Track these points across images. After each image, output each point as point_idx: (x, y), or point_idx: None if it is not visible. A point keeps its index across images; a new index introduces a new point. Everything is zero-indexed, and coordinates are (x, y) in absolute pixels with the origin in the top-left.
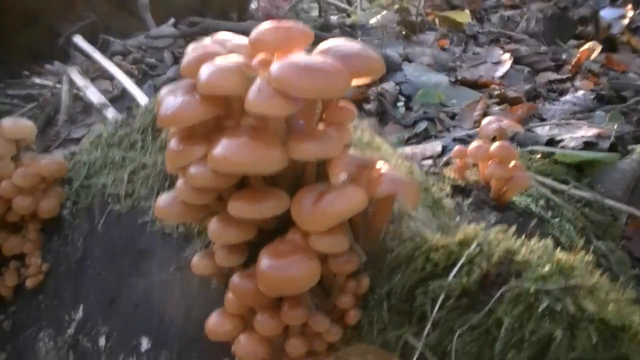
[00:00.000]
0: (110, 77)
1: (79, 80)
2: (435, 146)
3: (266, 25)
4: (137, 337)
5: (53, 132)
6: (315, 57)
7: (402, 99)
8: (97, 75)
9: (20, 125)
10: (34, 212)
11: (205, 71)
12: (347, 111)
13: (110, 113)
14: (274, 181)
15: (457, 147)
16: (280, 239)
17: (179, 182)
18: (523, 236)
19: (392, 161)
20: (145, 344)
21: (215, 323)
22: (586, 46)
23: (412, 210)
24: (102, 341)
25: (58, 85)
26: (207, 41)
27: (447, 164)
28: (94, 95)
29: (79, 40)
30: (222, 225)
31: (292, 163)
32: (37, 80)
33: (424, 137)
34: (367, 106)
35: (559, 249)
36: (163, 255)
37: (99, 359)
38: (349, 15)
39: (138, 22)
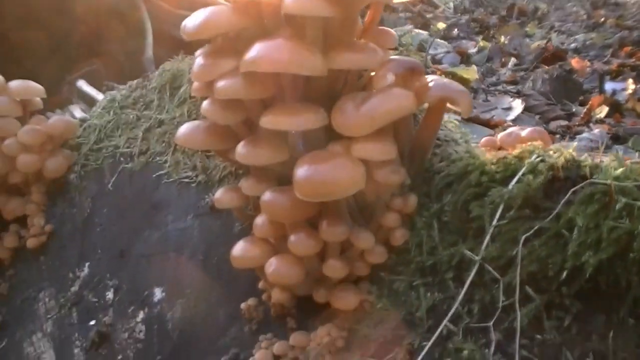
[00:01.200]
0: None
1: (78, 114)
2: None
3: None
4: (149, 287)
5: None
6: None
7: None
8: None
9: (28, 85)
10: (38, 173)
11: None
12: (387, 34)
13: None
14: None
15: (485, 138)
16: (321, 150)
17: (205, 103)
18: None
19: None
20: (158, 294)
21: (243, 248)
22: (596, 98)
23: (466, 115)
24: (109, 295)
25: None
26: None
27: None
28: None
29: (82, 84)
30: (252, 146)
31: (331, 78)
32: None
33: None
34: None
35: None
36: (180, 206)
37: (105, 313)
38: None
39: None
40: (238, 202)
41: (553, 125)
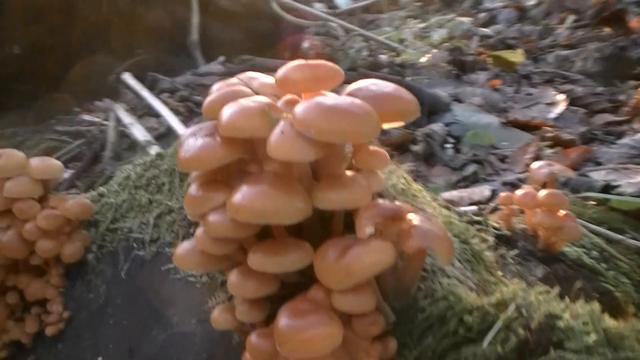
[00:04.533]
0: (157, 115)
1: (125, 118)
2: (484, 190)
3: (293, 63)
4: None
5: (99, 168)
6: (343, 98)
7: (451, 140)
8: (145, 112)
9: (48, 164)
10: (57, 255)
11: (226, 112)
12: (379, 156)
13: (155, 151)
14: (299, 231)
15: (503, 194)
16: (302, 295)
17: (199, 231)
18: (567, 298)
19: (430, 209)
20: None
21: None
22: None
23: (445, 265)
24: None
25: (105, 122)
26: (233, 80)
27: (494, 209)
28: (139, 132)
29: (127, 77)
30: (242, 278)
31: (319, 211)
32: (87, 117)
33: (473, 180)
34: (414, 147)
35: (606, 314)
36: (185, 306)
37: None
38: (398, 54)
39: (189, 60)
40: (233, 323)
41: (597, 121)
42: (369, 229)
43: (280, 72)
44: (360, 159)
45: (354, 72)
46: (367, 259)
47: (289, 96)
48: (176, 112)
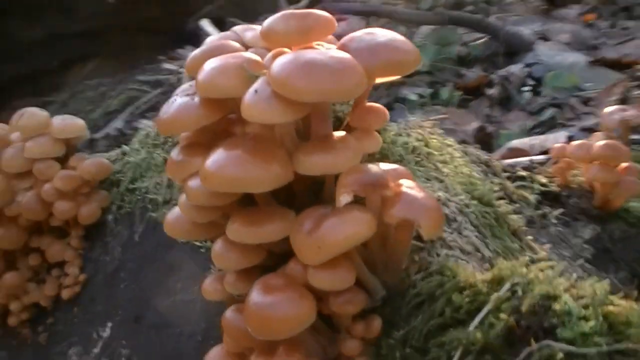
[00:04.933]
0: None
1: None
2: (559, 137)
3: (279, 13)
4: None
5: None
6: (323, 52)
7: (531, 82)
8: None
9: (69, 123)
10: (76, 217)
11: (204, 70)
12: (375, 113)
13: None
14: (291, 198)
15: (558, 145)
16: (280, 270)
17: (181, 197)
18: (574, 275)
19: (446, 169)
20: None
21: None
22: None
23: (428, 238)
24: None
25: (182, 70)
26: (225, 34)
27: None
28: None
29: (205, 24)
30: (224, 248)
31: (312, 177)
32: (167, 65)
33: (550, 126)
34: (489, 91)
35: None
36: (189, 272)
37: None
38: None
39: (271, 2)
40: (223, 294)
41: None
42: (345, 198)
43: (265, 23)
44: (355, 116)
45: (429, 13)
46: (340, 232)
47: (276, 50)
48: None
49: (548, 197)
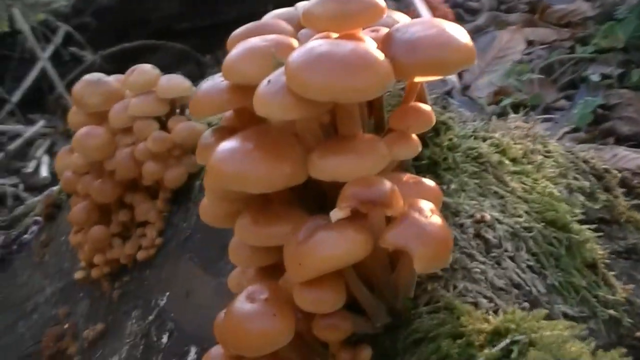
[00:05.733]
0: None
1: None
2: None
3: None
4: (189, 344)
5: None
6: (345, 45)
7: None
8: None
9: (174, 82)
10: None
11: (232, 52)
12: (417, 115)
13: None
14: (321, 197)
15: None
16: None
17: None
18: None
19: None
20: (192, 353)
21: None
22: None
23: (421, 272)
24: (164, 338)
25: None
26: (285, 10)
27: None
28: None
29: None
30: (237, 244)
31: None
32: None
33: None
34: None
35: None
36: None
37: (157, 357)
38: None
39: None
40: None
41: None
42: (337, 213)
43: (306, 4)
44: (394, 116)
45: None
46: (324, 250)
47: (320, 34)
48: (444, 18)
49: None
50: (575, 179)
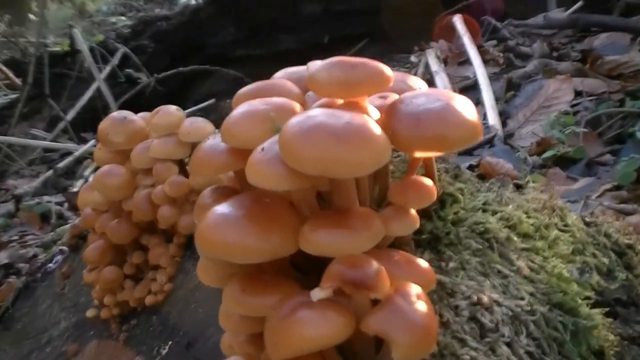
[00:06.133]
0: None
1: (434, 65)
2: None
3: (328, 60)
4: None
5: None
6: (341, 116)
7: None
8: (466, 59)
9: (197, 127)
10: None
11: (233, 114)
12: (417, 190)
13: None
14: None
15: None
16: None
17: None
18: None
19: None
20: None
21: None
22: None
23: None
24: None
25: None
26: (296, 68)
27: None
28: (440, 82)
29: (457, 20)
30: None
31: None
32: (412, 59)
33: None
34: None
35: None
36: None
37: None
38: None
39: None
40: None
41: None
42: (318, 293)
43: (311, 68)
44: (393, 189)
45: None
46: (300, 331)
47: (322, 101)
48: (494, 62)
49: None
50: (594, 255)
